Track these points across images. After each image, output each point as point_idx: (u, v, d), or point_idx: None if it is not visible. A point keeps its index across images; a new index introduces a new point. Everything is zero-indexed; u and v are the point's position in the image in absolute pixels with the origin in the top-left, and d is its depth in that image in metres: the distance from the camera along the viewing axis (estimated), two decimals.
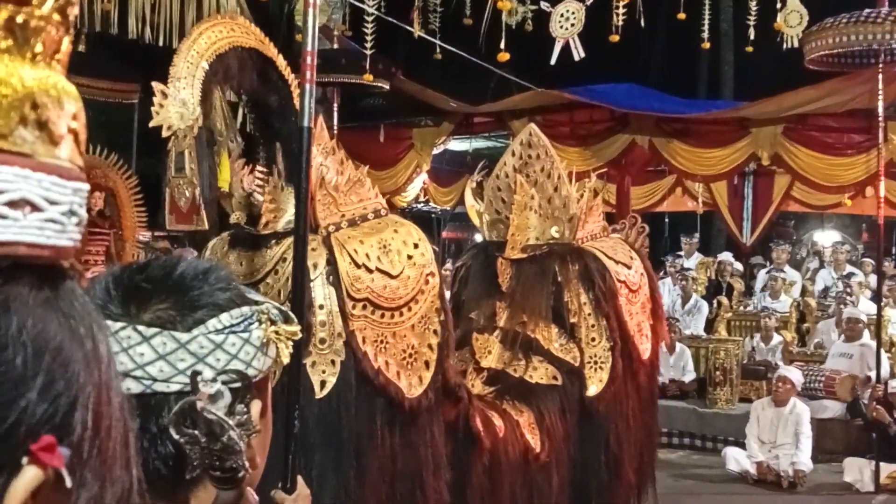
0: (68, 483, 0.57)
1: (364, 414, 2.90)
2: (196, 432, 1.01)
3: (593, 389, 3.95)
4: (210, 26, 2.77)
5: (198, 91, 2.64)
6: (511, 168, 4.15)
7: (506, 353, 3.93)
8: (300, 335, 1.12)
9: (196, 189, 2.75)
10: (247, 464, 1.04)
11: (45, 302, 0.59)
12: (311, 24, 2.73)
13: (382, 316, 2.94)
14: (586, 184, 4.39)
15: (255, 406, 1.08)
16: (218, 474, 1.04)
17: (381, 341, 2.93)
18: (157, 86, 2.63)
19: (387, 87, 10.87)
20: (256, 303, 1.11)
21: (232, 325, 1.06)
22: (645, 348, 4.24)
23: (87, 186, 0.63)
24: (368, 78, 9.66)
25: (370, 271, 2.91)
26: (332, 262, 2.91)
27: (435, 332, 3.09)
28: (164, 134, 2.62)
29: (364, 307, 2.89)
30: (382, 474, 2.93)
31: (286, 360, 1.11)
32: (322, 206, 3.00)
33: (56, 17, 0.60)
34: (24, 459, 0.56)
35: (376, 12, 9.03)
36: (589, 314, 3.98)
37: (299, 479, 2.39)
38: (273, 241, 2.98)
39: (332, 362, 2.89)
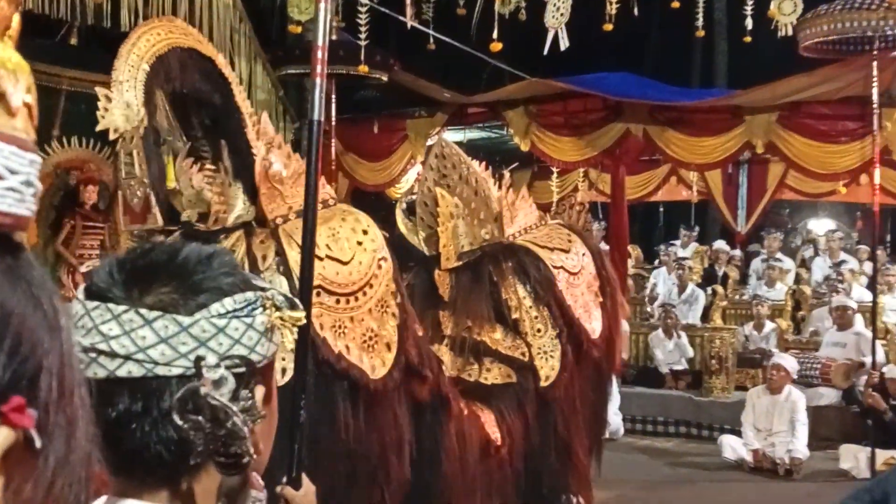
0: (38, 443, 0.58)
1: (326, 398, 2.92)
2: (200, 418, 1.00)
3: (546, 379, 3.98)
4: (148, 29, 2.92)
5: (140, 93, 2.78)
6: (432, 182, 4.20)
7: (457, 359, 3.97)
8: (305, 322, 1.12)
9: (147, 189, 2.87)
10: (251, 449, 1.03)
11: (7, 270, 0.60)
12: (323, 20, 2.73)
13: (338, 301, 2.98)
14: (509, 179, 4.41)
15: (259, 392, 1.07)
16: (223, 460, 1.03)
17: (340, 326, 2.97)
18: (100, 90, 2.79)
19: (385, 78, 10.86)
20: (262, 289, 1.10)
21: (235, 310, 1.05)
22: (593, 328, 4.23)
23: (40, 159, 0.63)
24: (364, 69, 9.63)
25: (320, 259, 2.93)
26: (280, 252, 2.98)
27: (393, 314, 3.13)
28: (111, 136, 2.78)
29: (318, 294, 2.91)
30: (344, 456, 2.95)
31: (290, 346, 1.11)
32: (268, 200, 3.07)
33: None
34: None
35: (369, 2, 9.00)
36: (530, 307, 4.02)
37: (304, 476, 2.39)
38: (222, 236, 3.05)
39: (291, 350, 2.92)
